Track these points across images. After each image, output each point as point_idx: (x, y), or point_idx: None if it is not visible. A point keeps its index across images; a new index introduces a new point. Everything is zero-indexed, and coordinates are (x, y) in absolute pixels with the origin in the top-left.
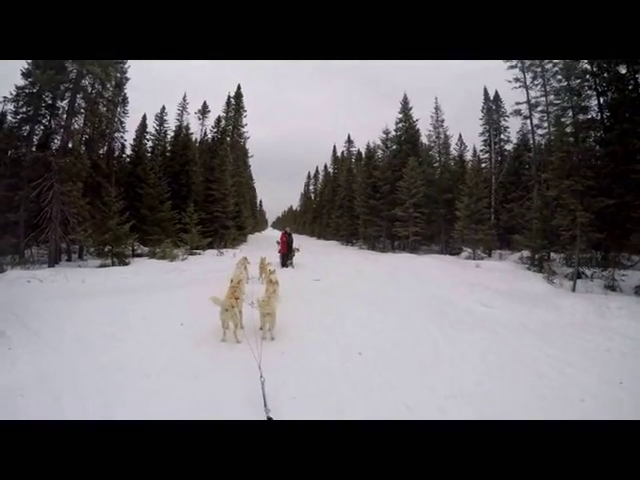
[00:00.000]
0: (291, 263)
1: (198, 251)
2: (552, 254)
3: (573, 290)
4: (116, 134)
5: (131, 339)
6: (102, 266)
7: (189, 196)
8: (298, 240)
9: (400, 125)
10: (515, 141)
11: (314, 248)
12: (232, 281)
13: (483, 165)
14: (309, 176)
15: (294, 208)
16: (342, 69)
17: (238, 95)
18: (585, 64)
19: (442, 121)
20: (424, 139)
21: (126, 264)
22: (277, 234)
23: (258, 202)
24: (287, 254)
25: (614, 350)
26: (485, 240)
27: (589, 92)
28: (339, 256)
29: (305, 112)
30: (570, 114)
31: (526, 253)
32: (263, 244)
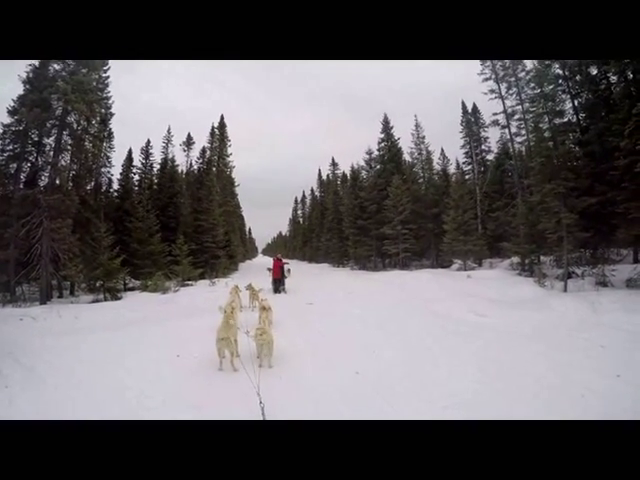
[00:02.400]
0: (283, 289)
1: (190, 282)
2: (542, 257)
3: (565, 290)
4: (103, 169)
5: (127, 374)
6: (94, 301)
7: (178, 228)
8: (289, 265)
9: (382, 145)
10: (496, 150)
11: (306, 272)
12: (225, 310)
13: (467, 177)
14: (296, 201)
15: (283, 234)
16: (324, 94)
17: (222, 125)
18: (557, 69)
19: (423, 137)
20: (407, 157)
21: (118, 298)
22: (267, 261)
23: (247, 230)
24: (279, 279)
25: (609, 345)
26: (474, 250)
27: (563, 96)
28: (331, 278)
29: (289, 139)
30: (546, 119)
31: (516, 259)
32: (254, 271)
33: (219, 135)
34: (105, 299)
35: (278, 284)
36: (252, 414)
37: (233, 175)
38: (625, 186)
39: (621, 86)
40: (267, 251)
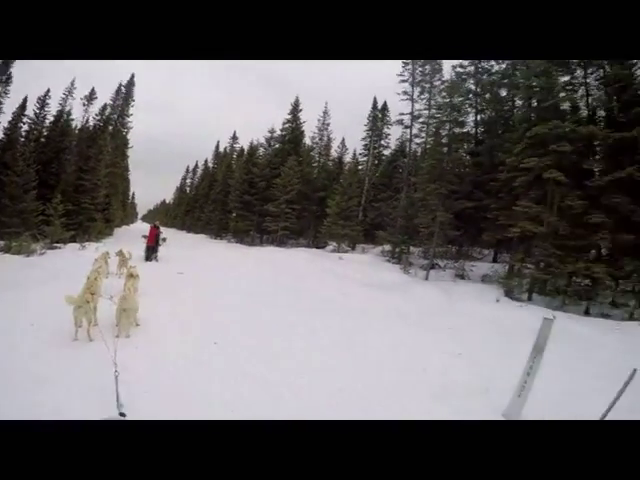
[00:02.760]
0: (156, 257)
1: (59, 245)
2: (411, 248)
3: (426, 279)
4: None
5: None
6: None
7: (58, 185)
8: (167, 233)
9: (287, 125)
10: (393, 147)
11: (182, 241)
12: (88, 277)
13: (360, 167)
14: (187, 170)
15: (167, 201)
16: (244, 68)
17: (130, 84)
18: (471, 84)
19: (328, 124)
20: (308, 140)
21: None
22: (146, 227)
23: (131, 194)
24: (153, 247)
25: (457, 327)
26: (351, 235)
27: (469, 109)
28: (207, 249)
29: (199, 108)
30: (448, 127)
31: (387, 247)
32: (130, 238)
33: (125, 93)
34: None
35: (151, 252)
36: (105, 385)
37: (129, 136)
38: (501, 196)
39: (523, 110)
40: (147, 218)
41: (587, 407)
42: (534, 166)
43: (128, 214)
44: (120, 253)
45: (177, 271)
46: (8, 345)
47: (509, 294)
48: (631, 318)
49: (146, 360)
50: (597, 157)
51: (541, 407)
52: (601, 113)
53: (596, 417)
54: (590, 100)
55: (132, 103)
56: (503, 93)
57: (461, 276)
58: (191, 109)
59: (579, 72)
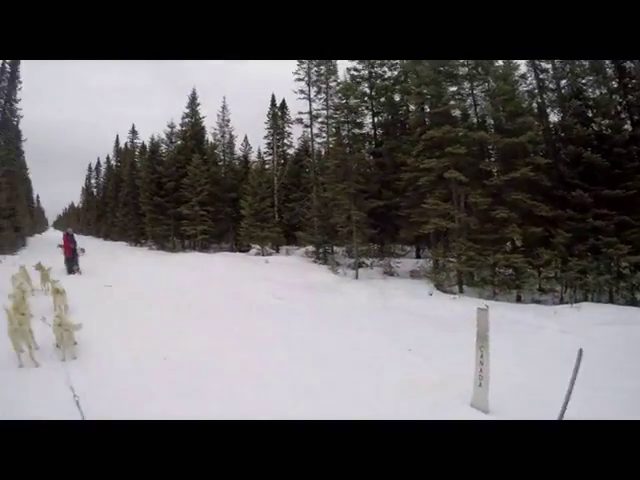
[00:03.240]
0: (78, 268)
1: None
2: (335, 248)
3: (356, 278)
4: None
5: None
6: None
7: None
8: (83, 242)
9: (187, 120)
10: (297, 146)
11: (101, 250)
12: (14, 296)
13: (266, 166)
14: (90, 168)
15: (76, 205)
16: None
17: (14, 63)
18: (365, 87)
19: (228, 121)
20: (210, 137)
21: None
22: (60, 235)
23: (35, 197)
24: (72, 258)
25: (398, 324)
26: (271, 237)
27: (365, 111)
28: (129, 258)
29: (96, 93)
30: (347, 127)
31: (311, 248)
32: (45, 247)
33: (10, 74)
34: None
35: (71, 263)
36: (66, 410)
37: (20, 127)
38: (408, 195)
39: (417, 115)
40: (59, 224)
41: (548, 389)
42: (434, 166)
43: (37, 221)
44: (39, 266)
45: (104, 284)
46: None
47: (440, 287)
48: (562, 302)
49: (100, 383)
50: (492, 159)
51: (507, 393)
52: (490, 121)
53: (558, 398)
54: (478, 109)
55: (19, 86)
56: (397, 98)
57: (390, 273)
58: (82, 93)
59: (466, 84)
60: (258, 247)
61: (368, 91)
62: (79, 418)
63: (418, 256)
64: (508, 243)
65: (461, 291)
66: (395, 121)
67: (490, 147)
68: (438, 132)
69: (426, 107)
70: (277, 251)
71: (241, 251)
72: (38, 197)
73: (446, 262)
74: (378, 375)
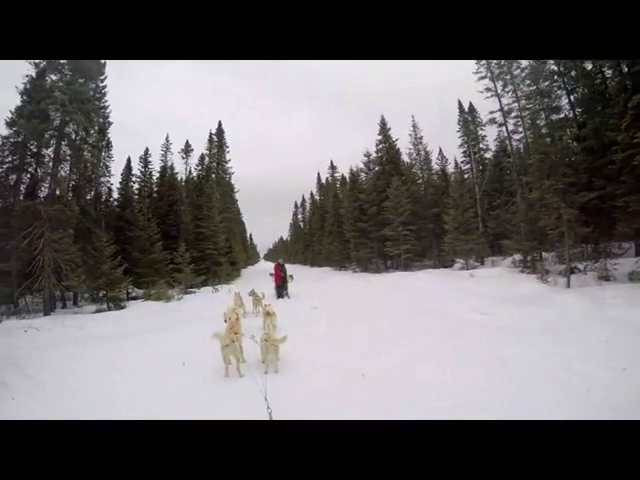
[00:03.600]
0: (287, 293)
1: (193, 289)
2: (543, 254)
3: (568, 286)
4: (102, 179)
5: (134, 383)
6: (98, 311)
7: (179, 235)
8: (291, 270)
9: (381, 146)
10: (494, 149)
11: (308, 276)
12: (229, 317)
13: (465, 176)
14: (296, 205)
15: (284, 238)
16: (320, 96)
17: (220, 131)
18: (552, 65)
19: (420, 138)
20: (405, 157)
21: (122, 308)
22: (270, 266)
23: (248, 236)
24: (282, 285)
25: (613, 339)
26: (476, 249)
27: (559, 92)
28: (333, 281)
29: (286, 142)
30: (543, 116)
31: (518, 256)
32: (257, 277)
33: (217, 142)
34: (109, 308)
35: (281, 289)
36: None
37: (232, 181)
38: (624, 180)
39: (616, 80)
40: (269, 256)
41: None
42: None
43: (250, 255)
44: (253, 293)
45: (310, 306)
46: (165, 382)
47: None
48: None
49: (297, 395)
50: None
51: None
52: None
53: None
54: None
55: (227, 149)
56: (589, 66)
57: (605, 277)
58: (277, 147)
59: None
60: (462, 261)
61: (556, 68)
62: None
63: (638, 253)
64: None
65: None
66: (594, 94)
67: None
68: None
69: (624, 68)
70: (482, 263)
71: (444, 266)
72: (251, 235)
73: None
74: (580, 399)
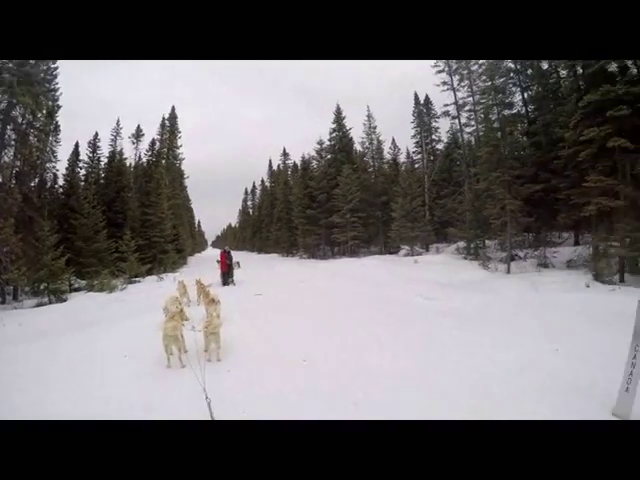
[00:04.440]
0: (232, 280)
1: (137, 279)
2: (486, 242)
3: (508, 272)
4: (48, 164)
5: (74, 381)
6: (38, 305)
7: (125, 223)
8: (238, 256)
9: (334, 135)
10: (446, 140)
11: (254, 262)
12: (166, 309)
13: (416, 166)
14: (246, 192)
15: (233, 225)
16: (275, 83)
17: (172, 116)
18: (509, 62)
19: (374, 128)
20: (358, 146)
21: (63, 300)
22: (217, 253)
23: (196, 223)
24: (227, 272)
25: (549, 321)
26: (422, 236)
27: (513, 89)
28: (280, 268)
29: (239, 129)
30: (496, 111)
31: (461, 244)
32: (204, 265)
33: (169, 127)
34: (50, 302)
35: (226, 276)
36: (200, 411)
37: (183, 167)
38: (568, 174)
39: (570, 80)
40: (217, 243)
41: None
42: (595, 137)
43: (198, 242)
44: (198, 282)
45: (255, 293)
46: (106, 376)
47: (598, 278)
48: None
49: (238, 383)
50: None
51: None
52: None
53: None
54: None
55: (179, 135)
56: (545, 66)
57: (544, 265)
58: (230, 133)
59: None
60: (408, 247)
61: (512, 66)
62: (208, 418)
63: (576, 243)
64: None
65: (622, 281)
66: (547, 93)
67: None
68: (595, 95)
69: (578, 69)
70: (427, 250)
71: (390, 253)
72: (199, 222)
73: (608, 247)
74: (518, 378)
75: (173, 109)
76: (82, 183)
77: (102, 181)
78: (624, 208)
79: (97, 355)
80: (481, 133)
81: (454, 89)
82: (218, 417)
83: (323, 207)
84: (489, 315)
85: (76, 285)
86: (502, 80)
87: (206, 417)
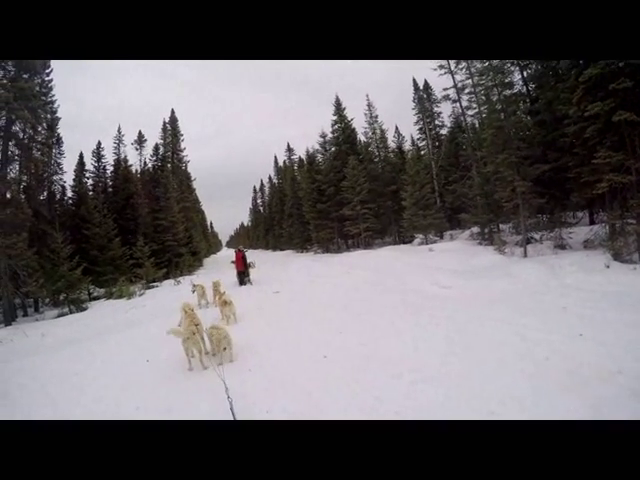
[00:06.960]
0: (249, 280)
1: (155, 284)
2: (501, 225)
3: (525, 256)
4: (54, 177)
5: (99, 385)
6: (60, 315)
7: (137, 229)
8: (253, 255)
9: (336, 127)
10: (449, 125)
11: (270, 260)
12: (185, 310)
13: (422, 152)
14: (255, 190)
15: (245, 224)
16: (275, 79)
17: (173, 120)
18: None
19: (376, 117)
20: (361, 137)
21: (84, 309)
22: (232, 253)
23: (209, 224)
24: (243, 272)
25: (570, 305)
26: (434, 224)
27: (512, 68)
28: (295, 264)
29: (242, 128)
30: (496, 91)
31: (475, 229)
32: (220, 265)
33: (171, 130)
34: (70, 312)
35: (242, 276)
36: (224, 411)
37: (189, 170)
38: (576, 152)
39: None
40: (231, 243)
41: None
42: (599, 111)
43: (212, 243)
44: (214, 284)
45: (272, 291)
46: (130, 380)
47: (618, 257)
48: None
49: (260, 381)
50: None
51: None
52: None
53: None
54: None
55: (181, 137)
56: None
57: (561, 246)
58: (233, 133)
59: None
60: (421, 236)
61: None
62: (231, 418)
63: (592, 222)
64: None
65: None
66: (546, 69)
67: None
68: (595, 69)
69: None
70: (441, 237)
71: (404, 242)
72: (211, 223)
73: (624, 225)
74: (539, 366)
75: (173, 112)
76: (90, 193)
77: (110, 189)
78: (636, 183)
79: (121, 359)
80: (484, 115)
81: (452, 72)
82: (242, 417)
83: (332, 200)
84: (510, 302)
85: (95, 293)
86: (499, 60)
87: (228, 417)
